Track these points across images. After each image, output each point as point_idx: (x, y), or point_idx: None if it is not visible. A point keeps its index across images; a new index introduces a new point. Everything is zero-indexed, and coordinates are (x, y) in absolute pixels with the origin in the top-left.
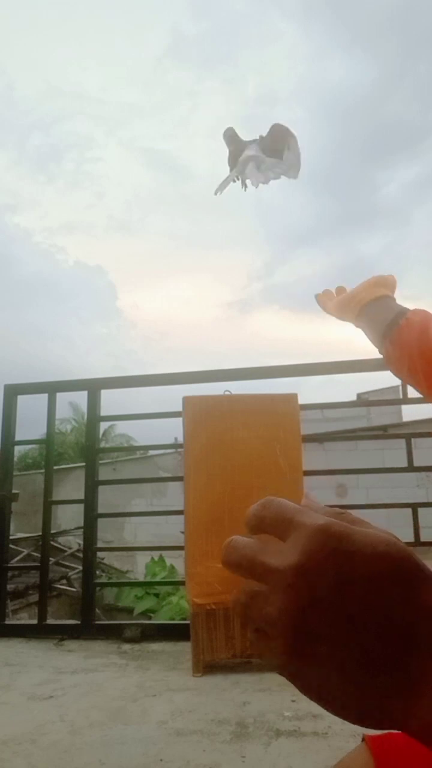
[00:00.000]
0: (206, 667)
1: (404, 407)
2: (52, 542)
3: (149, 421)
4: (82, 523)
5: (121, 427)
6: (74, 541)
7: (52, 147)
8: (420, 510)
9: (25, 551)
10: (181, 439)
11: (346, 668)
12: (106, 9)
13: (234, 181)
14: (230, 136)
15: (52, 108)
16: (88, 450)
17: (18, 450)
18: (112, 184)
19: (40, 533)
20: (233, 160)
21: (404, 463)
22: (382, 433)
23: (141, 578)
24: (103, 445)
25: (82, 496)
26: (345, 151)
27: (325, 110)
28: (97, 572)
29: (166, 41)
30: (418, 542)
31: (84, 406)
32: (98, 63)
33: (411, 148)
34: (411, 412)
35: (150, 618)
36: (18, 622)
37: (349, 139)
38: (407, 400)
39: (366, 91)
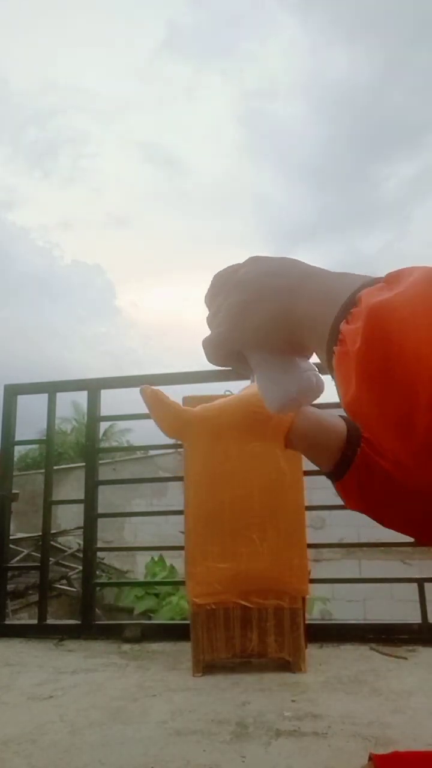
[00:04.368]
0: (206, 667)
1: None
2: (52, 542)
3: (149, 421)
4: (82, 523)
5: (122, 424)
6: (74, 541)
7: (47, 142)
8: None
9: (25, 551)
10: None
11: None
12: (102, 1)
13: None
14: None
15: (47, 102)
16: (88, 450)
17: (18, 450)
18: (109, 180)
19: (40, 533)
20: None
21: None
22: None
23: (141, 578)
24: (105, 444)
25: (82, 496)
26: (345, 146)
27: (324, 104)
28: (97, 572)
29: (162, 34)
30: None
31: (85, 406)
32: (94, 56)
33: (412, 143)
34: None
35: (150, 618)
36: (18, 622)
37: (349, 133)
38: None
39: (366, 85)
